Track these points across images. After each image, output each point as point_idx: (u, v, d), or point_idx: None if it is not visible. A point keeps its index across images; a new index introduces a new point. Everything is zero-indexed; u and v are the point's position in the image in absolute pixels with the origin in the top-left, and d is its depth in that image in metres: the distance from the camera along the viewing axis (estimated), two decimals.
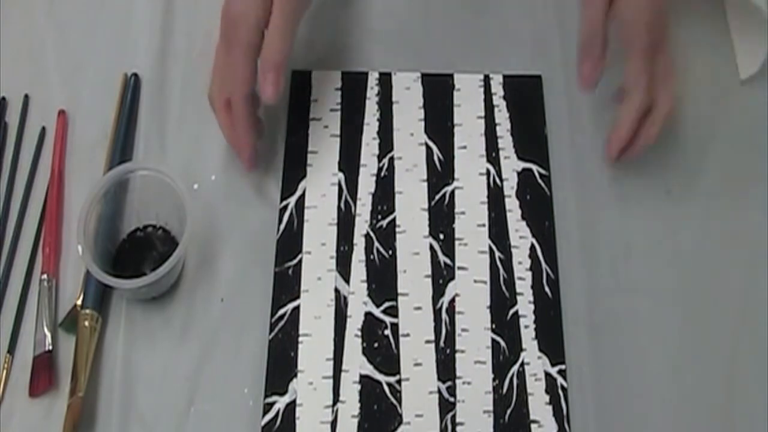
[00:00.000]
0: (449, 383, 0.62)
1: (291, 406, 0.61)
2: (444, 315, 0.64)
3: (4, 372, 0.64)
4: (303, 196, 0.68)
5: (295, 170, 0.69)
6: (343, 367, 0.63)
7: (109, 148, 0.71)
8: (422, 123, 0.71)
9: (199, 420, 0.63)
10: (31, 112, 0.74)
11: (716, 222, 0.69)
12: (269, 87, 0.63)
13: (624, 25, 0.64)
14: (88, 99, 0.74)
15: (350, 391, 0.62)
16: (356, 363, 0.63)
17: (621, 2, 0.63)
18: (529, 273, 0.65)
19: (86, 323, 0.64)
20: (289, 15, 0.63)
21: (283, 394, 0.62)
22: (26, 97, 0.75)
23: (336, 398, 0.62)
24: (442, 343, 0.63)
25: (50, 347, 0.64)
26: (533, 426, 0.61)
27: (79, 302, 0.66)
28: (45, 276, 0.67)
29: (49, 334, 0.65)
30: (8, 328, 0.66)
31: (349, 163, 0.70)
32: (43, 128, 0.73)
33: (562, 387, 0.62)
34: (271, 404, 0.61)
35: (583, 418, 0.62)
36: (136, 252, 0.67)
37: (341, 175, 0.69)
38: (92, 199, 0.64)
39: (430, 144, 0.70)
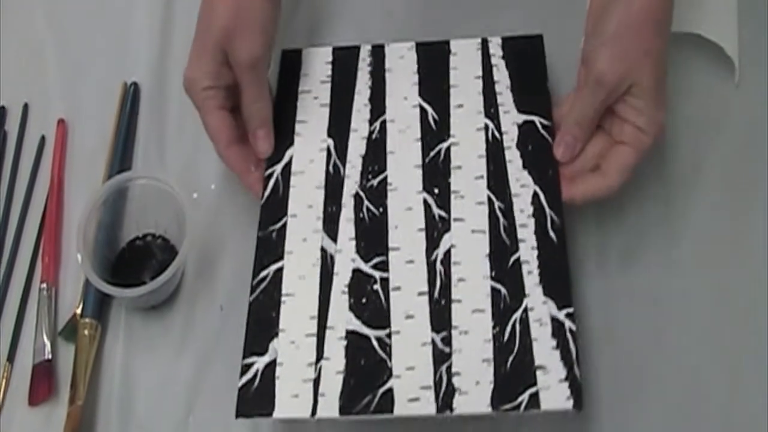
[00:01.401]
0: (444, 333, 0.58)
1: (271, 366, 0.57)
2: (439, 266, 0.60)
3: (4, 380, 0.64)
4: (290, 163, 0.65)
5: (282, 140, 0.66)
6: (328, 324, 0.59)
7: (108, 156, 0.72)
8: (416, 87, 0.68)
9: (198, 428, 0.63)
10: (31, 120, 0.75)
11: (716, 223, 0.69)
12: (261, 144, 0.65)
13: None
14: (87, 108, 0.75)
15: (335, 348, 0.58)
16: (342, 319, 0.59)
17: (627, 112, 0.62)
18: (532, 220, 0.62)
19: (86, 332, 0.64)
20: (255, 71, 0.64)
21: (262, 354, 0.58)
22: (26, 105, 0.75)
23: (320, 355, 0.58)
24: (436, 295, 0.59)
25: (50, 356, 0.64)
26: (539, 372, 0.56)
27: (78, 311, 0.66)
28: (44, 284, 0.67)
29: (48, 343, 0.65)
30: (8, 336, 0.66)
31: (339, 128, 0.67)
32: (43, 137, 0.73)
33: (570, 330, 0.57)
34: (249, 365, 0.57)
35: (592, 364, 0.62)
36: (136, 260, 0.68)
37: (330, 141, 0.66)
38: (92, 207, 0.64)
39: (425, 105, 0.67)
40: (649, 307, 0.66)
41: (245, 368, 0.58)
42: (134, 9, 0.79)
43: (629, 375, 0.63)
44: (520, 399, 0.55)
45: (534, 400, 0.55)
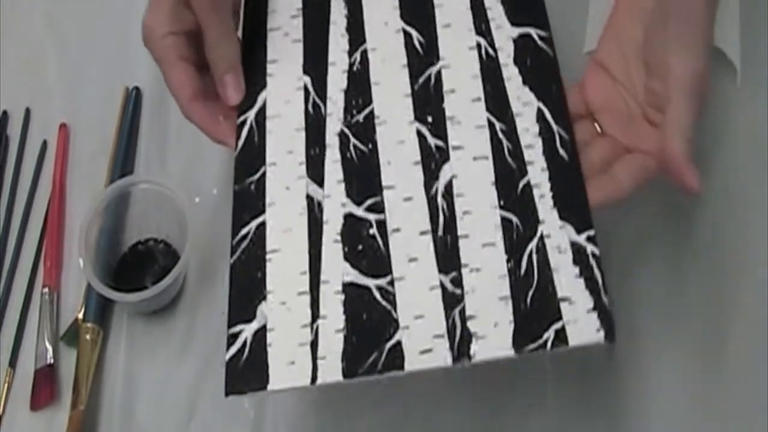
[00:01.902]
0: (453, 274, 0.52)
1: (261, 333, 0.51)
2: (440, 201, 0.54)
3: (6, 385, 0.64)
4: (264, 107, 0.59)
5: (252, 84, 0.60)
6: (322, 278, 0.53)
7: (110, 161, 0.72)
8: (397, 11, 0.62)
9: None
10: (33, 125, 0.75)
11: (716, 225, 0.69)
12: (230, 90, 0.58)
13: None
14: (89, 112, 0.75)
15: (332, 304, 0.52)
16: (337, 271, 0.53)
17: None
18: (538, 139, 0.56)
19: (87, 336, 0.64)
20: (217, 10, 0.58)
21: (249, 320, 0.51)
22: (27, 110, 0.75)
23: (315, 314, 0.51)
24: (440, 232, 0.53)
25: (52, 360, 0.64)
26: (563, 305, 0.50)
27: (80, 315, 0.66)
28: (46, 289, 0.67)
29: (50, 348, 0.65)
30: (9, 341, 0.66)
31: (316, 64, 0.60)
32: (45, 141, 0.73)
33: (594, 255, 0.52)
34: (236, 334, 0.51)
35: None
36: (138, 265, 0.68)
37: (307, 78, 0.60)
38: (93, 212, 0.64)
39: (408, 29, 0.61)
40: (649, 307, 0.66)
41: (231, 339, 0.51)
42: (136, 13, 0.78)
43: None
44: (545, 337, 0.49)
45: (561, 335, 0.49)
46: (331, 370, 0.49)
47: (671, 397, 0.63)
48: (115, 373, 0.65)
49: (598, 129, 0.58)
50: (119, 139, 0.72)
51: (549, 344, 0.49)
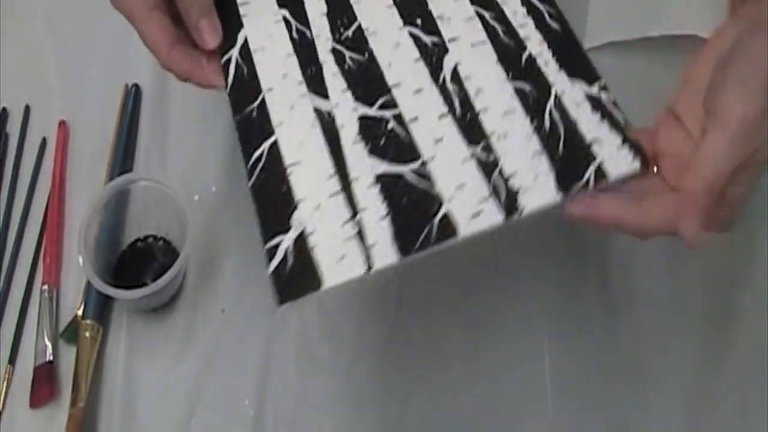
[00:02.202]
0: (482, 143, 0.52)
1: (301, 239, 0.49)
2: (450, 86, 0.55)
3: (5, 383, 0.64)
4: (246, 43, 0.57)
5: (229, 26, 0.58)
6: (351, 177, 0.52)
7: (109, 158, 0.72)
8: None
9: (199, 430, 0.63)
10: (32, 122, 0.75)
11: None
12: (207, 35, 0.56)
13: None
14: (88, 109, 0.75)
15: (369, 196, 0.51)
16: (365, 167, 0.52)
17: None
18: (529, 18, 0.57)
19: (87, 334, 0.64)
20: None
21: (286, 230, 0.50)
22: (27, 107, 0.75)
23: (354, 210, 0.50)
24: (458, 112, 0.54)
25: (51, 358, 0.64)
26: (594, 146, 0.51)
27: (79, 313, 0.66)
28: (46, 286, 0.67)
29: (50, 345, 0.65)
30: (9, 338, 0.66)
31: None
32: (44, 139, 0.73)
33: (609, 100, 0.53)
34: (275, 247, 0.49)
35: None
36: (137, 262, 0.68)
37: (284, 11, 0.59)
38: (93, 209, 0.64)
39: None
40: (650, 307, 0.66)
41: (271, 252, 0.49)
42: None
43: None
44: (585, 176, 0.50)
45: (600, 172, 0.50)
46: (385, 254, 0.49)
47: (671, 396, 0.63)
48: (114, 370, 0.65)
49: (655, 170, 0.52)
50: (119, 137, 0.72)
51: (591, 181, 0.50)
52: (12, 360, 0.65)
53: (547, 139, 0.52)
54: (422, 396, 0.64)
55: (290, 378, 0.65)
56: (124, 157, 0.72)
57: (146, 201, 0.67)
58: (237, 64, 0.57)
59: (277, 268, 0.49)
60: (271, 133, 0.54)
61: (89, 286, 0.66)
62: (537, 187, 0.50)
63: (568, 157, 0.51)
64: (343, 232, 0.50)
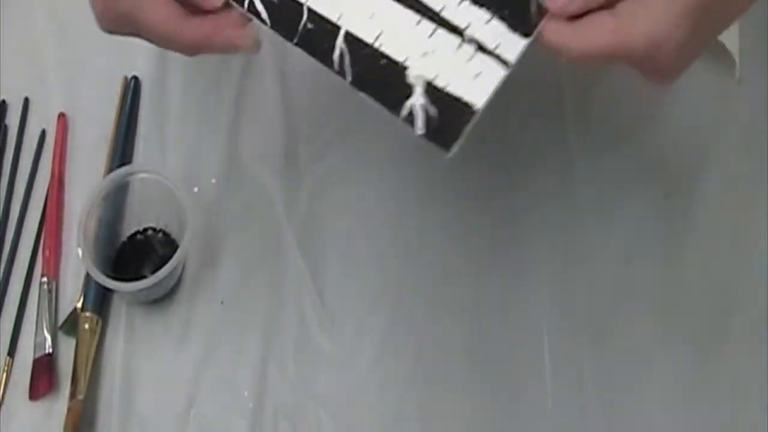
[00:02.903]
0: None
1: (430, 89, 0.49)
2: None
3: (4, 375, 0.64)
4: None
5: None
6: (437, 10, 0.50)
7: (109, 150, 0.71)
8: None
9: (199, 423, 0.63)
10: (31, 114, 0.74)
11: (716, 224, 0.69)
12: (247, 41, 0.53)
13: None
14: (88, 102, 0.74)
15: (465, 12, 0.50)
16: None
17: None
18: None
19: (86, 326, 0.64)
20: None
21: (410, 93, 0.49)
22: (26, 99, 0.75)
23: (459, 32, 0.50)
24: None
25: (50, 350, 0.64)
26: None
27: (79, 305, 0.66)
28: (45, 279, 0.67)
29: (49, 337, 0.65)
30: (8, 330, 0.66)
31: None
32: (43, 131, 0.73)
33: None
34: (410, 112, 0.49)
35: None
36: (137, 255, 0.68)
37: None
38: (92, 201, 0.64)
39: None
40: (649, 306, 0.66)
41: (409, 118, 0.49)
42: None
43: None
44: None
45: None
46: (513, 45, 0.48)
47: (670, 396, 0.63)
48: (114, 362, 0.65)
49: None
50: (118, 129, 0.72)
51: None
52: (11, 352, 0.65)
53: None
54: (421, 388, 0.64)
55: (289, 370, 0.65)
56: (123, 150, 0.71)
57: (146, 193, 0.66)
58: None
59: (425, 125, 0.49)
60: (338, 28, 0.53)
61: (88, 279, 0.66)
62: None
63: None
64: (463, 56, 0.49)
